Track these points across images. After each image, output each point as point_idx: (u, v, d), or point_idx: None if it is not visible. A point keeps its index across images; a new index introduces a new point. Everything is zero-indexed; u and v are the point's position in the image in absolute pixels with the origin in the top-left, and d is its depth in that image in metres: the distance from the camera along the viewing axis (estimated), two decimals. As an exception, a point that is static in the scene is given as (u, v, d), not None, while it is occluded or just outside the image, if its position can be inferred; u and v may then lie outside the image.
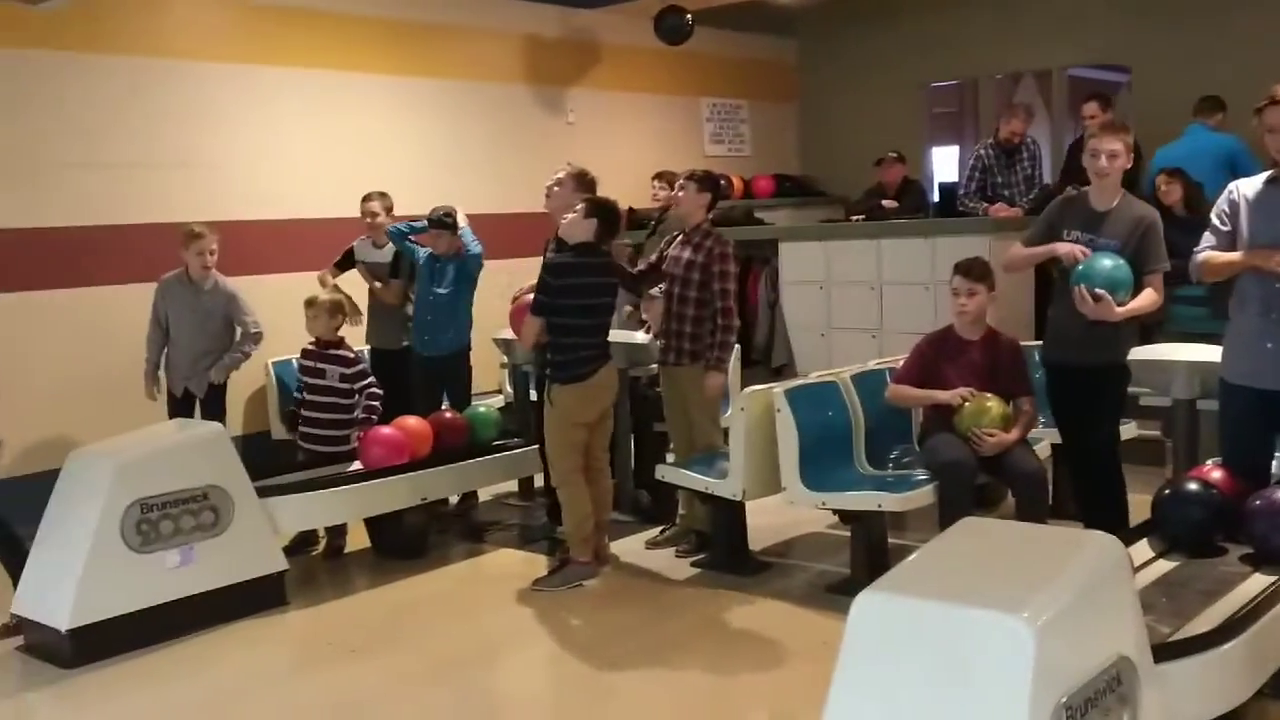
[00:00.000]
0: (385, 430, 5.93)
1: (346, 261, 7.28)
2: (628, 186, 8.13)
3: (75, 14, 6.75)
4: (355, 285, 7.22)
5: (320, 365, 6.14)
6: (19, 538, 5.18)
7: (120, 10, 7.14)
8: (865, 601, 2.70)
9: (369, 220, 7.21)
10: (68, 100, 6.91)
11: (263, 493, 5.41)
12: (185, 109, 7.42)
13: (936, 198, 9.27)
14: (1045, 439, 5.55)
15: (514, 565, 6.03)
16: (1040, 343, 5.19)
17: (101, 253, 7.02)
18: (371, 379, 6.19)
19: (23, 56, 6.71)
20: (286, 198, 7.86)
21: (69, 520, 4.94)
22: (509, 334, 6.75)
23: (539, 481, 6.62)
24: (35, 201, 6.79)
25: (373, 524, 6.13)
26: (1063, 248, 4.68)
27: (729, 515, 5.65)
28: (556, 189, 5.89)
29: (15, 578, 5.10)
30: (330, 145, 8.10)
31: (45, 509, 5.14)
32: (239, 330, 6.54)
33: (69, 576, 4.80)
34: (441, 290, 6.70)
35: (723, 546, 5.72)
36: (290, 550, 5.82)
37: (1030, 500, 4.96)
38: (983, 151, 8.51)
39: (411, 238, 6.94)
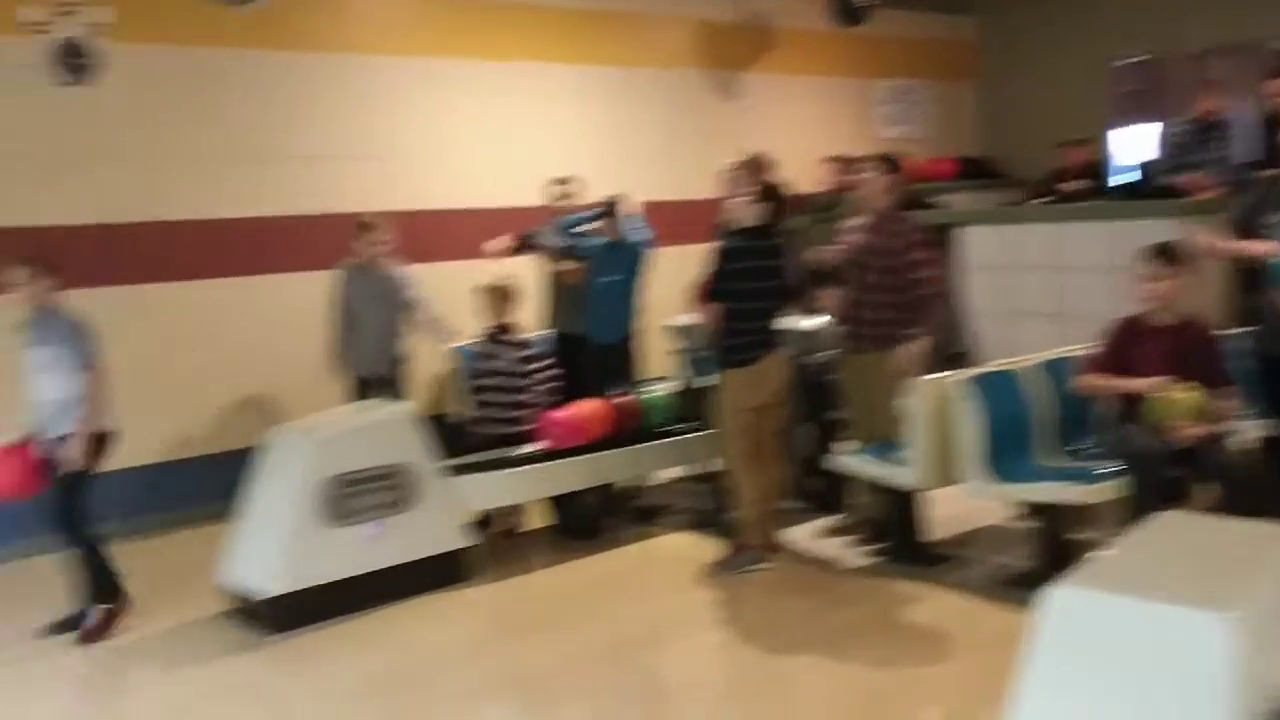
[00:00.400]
0: (565, 412, 6.06)
1: (526, 244, 7.42)
2: (802, 171, 8.09)
3: (257, 13, 7.10)
4: (530, 269, 7.39)
5: (493, 349, 6.31)
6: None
7: (300, 7, 7.44)
8: (1057, 596, 2.64)
9: (557, 203, 7.35)
10: (252, 97, 7.23)
11: (448, 472, 5.62)
12: (363, 102, 7.69)
13: (1130, 178, 8.88)
14: (1252, 431, 5.25)
15: (685, 549, 6.10)
16: (1242, 330, 4.94)
17: (284, 242, 7.32)
18: (546, 362, 6.33)
19: (210, 56, 7.06)
20: (463, 187, 8.08)
21: (274, 494, 5.25)
22: (684, 320, 6.81)
23: (711, 467, 6.66)
24: (221, 194, 7.13)
25: (554, 503, 6.31)
26: (1253, 249, 4.43)
27: (904, 505, 5.58)
28: (731, 174, 5.91)
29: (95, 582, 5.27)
30: (504, 135, 8.28)
31: (236, 484, 5.50)
32: (413, 315, 6.75)
33: (274, 546, 5.12)
34: (608, 278, 6.80)
35: (897, 537, 5.65)
36: (472, 528, 6.01)
37: (1226, 495, 4.73)
38: (1177, 129, 8.13)
39: (581, 226, 7.06)
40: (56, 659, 4.98)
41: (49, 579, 5.45)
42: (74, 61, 6.48)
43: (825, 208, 7.82)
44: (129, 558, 5.90)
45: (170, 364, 6.94)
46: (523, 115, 8.39)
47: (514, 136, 8.31)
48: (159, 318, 6.91)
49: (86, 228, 6.60)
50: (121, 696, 4.73)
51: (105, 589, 5.22)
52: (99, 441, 5.15)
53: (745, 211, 5.50)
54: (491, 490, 5.82)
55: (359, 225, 6.71)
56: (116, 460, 6.43)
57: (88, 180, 6.60)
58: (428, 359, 7.26)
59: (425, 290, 6.83)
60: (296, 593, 5.06)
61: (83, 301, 6.41)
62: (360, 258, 6.70)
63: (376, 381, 6.65)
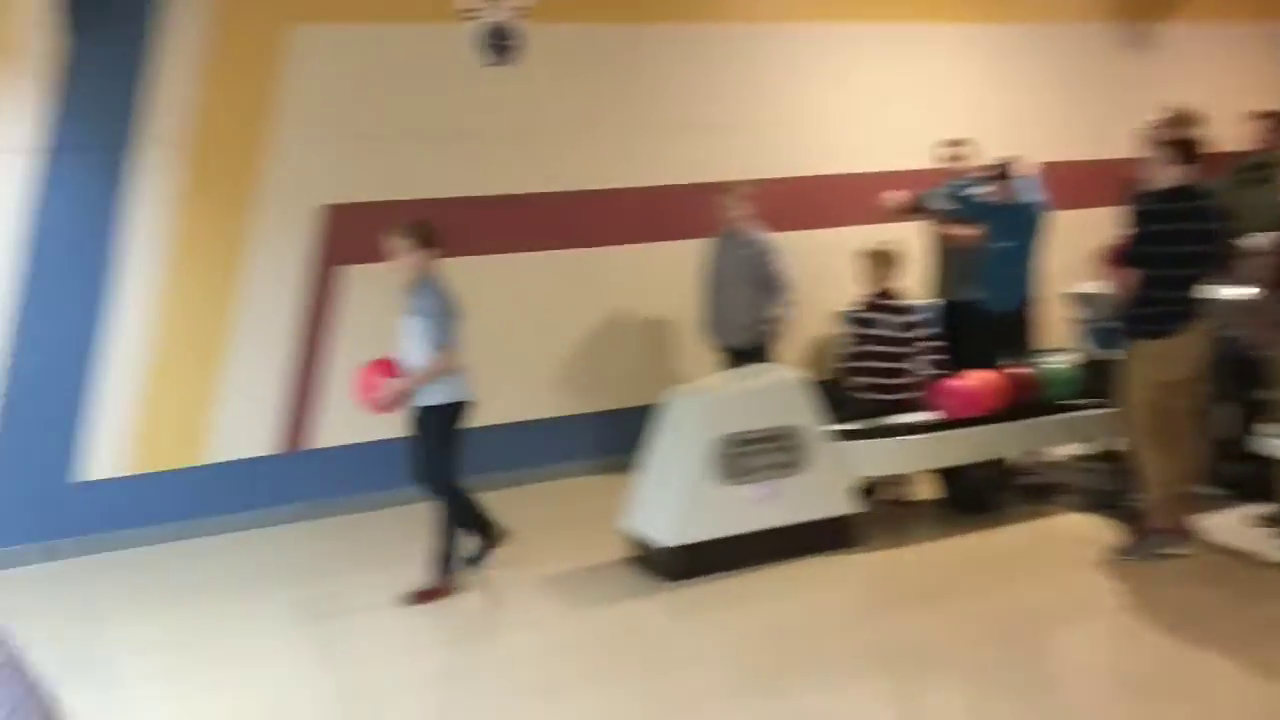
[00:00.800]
0: (959, 382, 5.92)
1: (917, 207, 7.29)
2: (1225, 127, 7.39)
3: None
4: (917, 234, 7.25)
5: (872, 315, 6.23)
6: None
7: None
8: None
9: (948, 166, 7.18)
10: (656, 70, 7.49)
11: (836, 437, 5.66)
12: (758, 70, 7.76)
13: None
14: None
15: (1082, 530, 5.82)
16: None
17: (683, 209, 7.50)
18: (929, 331, 6.19)
19: (618, 32, 7.37)
20: (855, 152, 8.02)
21: (672, 450, 5.51)
22: (1087, 287, 6.45)
23: (1113, 446, 6.27)
24: (632, 163, 7.45)
25: (943, 475, 6.20)
26: None
27: (1346, 497, 5.02)
28: (1150, 132, 5.50)
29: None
30: (895, 97, 8.12)
31: (638, 438, 5.80)
32: (772, 283, 6.76)
33: (671, 500, 5.37)
34: (1003, 243, 6.55)
35: (1335, 532, 5.10)
36: (858, 494, 6.02)
37: None
38: None
39: (972, 190, 6.83)
40: (459, 593, 5.41)
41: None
42: (499, 43, 7.03)
43: (1254, 167, 7.10)
44: (540, 503, 6.44)
45: (577, 325, 7.41)
46: (915, 76, 8.21)
47: (904, 98, 8.14)
48: (568, 282, 7.36)
49: (506, 198, 7.15)
50: (521, 629, 5.10)
51: (446, 558, 5.36)
52: (456, 411, 5.34)
53: (1166, 171, 5.11)
54: (880, 458, 5.80)
55: (724, 189, 6.81)
56: (532, 411, 6.97)
57: (509, 154, 7.14)
58: (810, 324, 7.33)
59: (800, 256, 6.86)
60: (690, 545, 5.29)
61: (501, 266, 7.05)
62: (730, 223, 6.81)
63: (744, 351, 6.72)
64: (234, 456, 6.60)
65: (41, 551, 6.17)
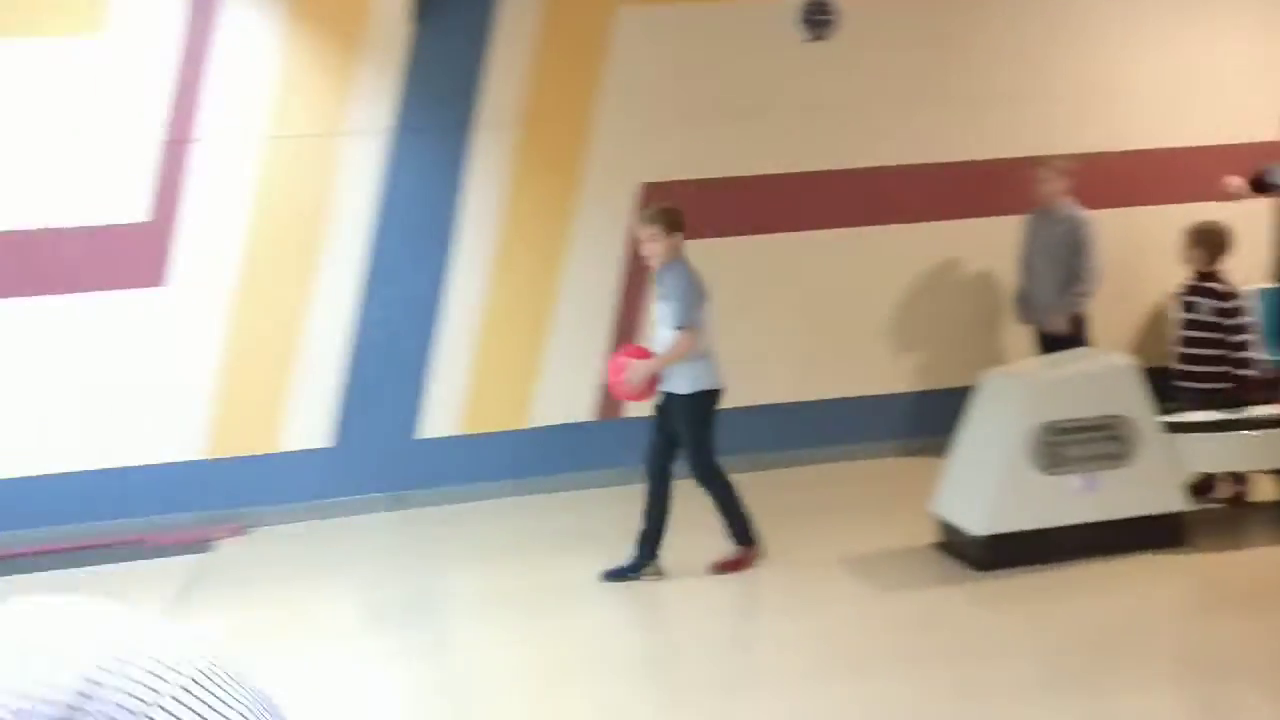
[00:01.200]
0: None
1: (1259, 183, 6.69)
2: None
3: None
4: (1259, 213, 6.66)
5: (1193, 299, 5.79)
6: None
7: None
8: None
9: None
10: (980, 42, 7.24)
11: (1170, 429, 5.33)
12: (1077, 36, 7.36)
13: None
14: None
15: None
16: None
17: (1001, 184, 7.21)
18: (1246, 319, 5.68)
19: (948, 2, 7.18)
20: (1187, 124, 7.42)
21: (985, 435, 5.35)
22: None
23: None
24: (953, 137, 7.24)
25: (1287, 475, 5.72)
26: None
27: None
28: None
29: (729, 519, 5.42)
30: (1235, 64, 7.46)
31: (951, 420, 5.65)
32: (1084, 262, 6.40)
33: (984, 487, 5.23)
34: None
35: None
36: (1191, 491, 5.64)
37: None
38: None
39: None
40: (758, 573, 5.46)
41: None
42: (817, 19, 7.00)
43: None
44: (848, 482, 6.46)
45: (892, 302, 7.32)
46: (1256, 39, 7.48)
47: (1244, 64, 7.45)
48: (887, 258, 7.28)
49: (820, 174, 7.13)
50: (824, 606, 5.06)
51: (739, 531, 5.40)
52: (705, 399, 5.26)
53: None
54: (1220, 452, 5.41)
55: (1035, 165, 6.50)
56: (843, 389, 7.05)
57: (825, 130, 7.11)
58: (1136, 307, 6.90)
59: (1125, 235, 6.47)
60: (1003, 535, 5.12)
61: (818, 241, 7.07)
62: (1041, 201, 6.51)
63: (1058, 338, 6.40)
64: (555, 421, 6.99)
65: (389, 501, 6.79)
